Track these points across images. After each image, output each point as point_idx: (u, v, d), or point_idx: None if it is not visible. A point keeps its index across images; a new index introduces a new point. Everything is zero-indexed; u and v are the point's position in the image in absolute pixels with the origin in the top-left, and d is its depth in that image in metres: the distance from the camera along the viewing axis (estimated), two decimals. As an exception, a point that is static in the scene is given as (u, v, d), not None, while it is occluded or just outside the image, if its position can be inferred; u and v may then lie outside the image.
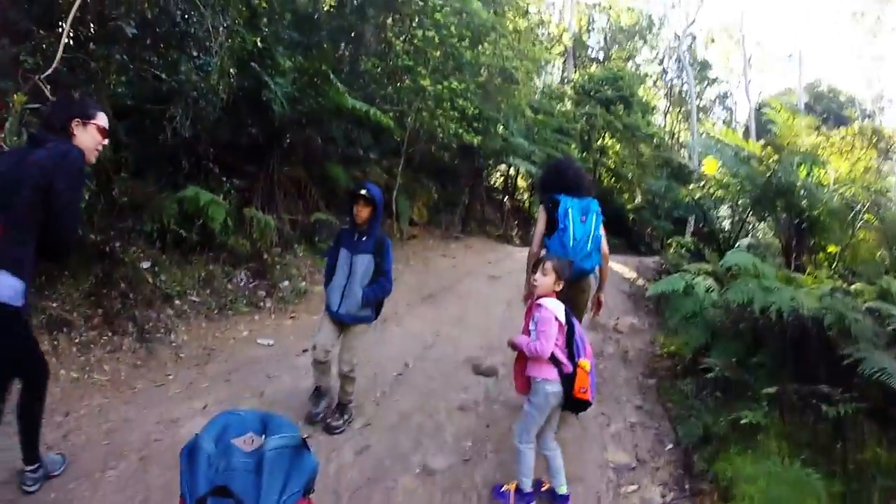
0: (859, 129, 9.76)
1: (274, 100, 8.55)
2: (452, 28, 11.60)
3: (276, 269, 8.67)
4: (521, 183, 21.87)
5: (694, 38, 31.96)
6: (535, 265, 3.69)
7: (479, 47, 12.49)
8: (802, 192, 8.38)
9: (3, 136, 3.95)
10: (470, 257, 12.77)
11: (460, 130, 12.14)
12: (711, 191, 10.37)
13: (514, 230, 19.47)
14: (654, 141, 24.03)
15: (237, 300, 7.66)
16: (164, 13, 6.56)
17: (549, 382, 3.42)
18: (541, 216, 4.47)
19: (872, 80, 30.46)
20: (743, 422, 4.30)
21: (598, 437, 4.91)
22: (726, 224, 11.33)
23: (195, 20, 6.89)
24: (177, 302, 6.93)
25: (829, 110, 25.43)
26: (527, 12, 17.20)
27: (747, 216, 10.00)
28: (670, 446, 4.81)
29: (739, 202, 9.80)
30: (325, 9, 11.77)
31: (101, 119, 3.03)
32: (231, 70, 7.79)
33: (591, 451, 4.67)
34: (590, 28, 31.02)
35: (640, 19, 31.02)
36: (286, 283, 8.51)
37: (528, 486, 3.64)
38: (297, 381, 5.57)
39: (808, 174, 8.42)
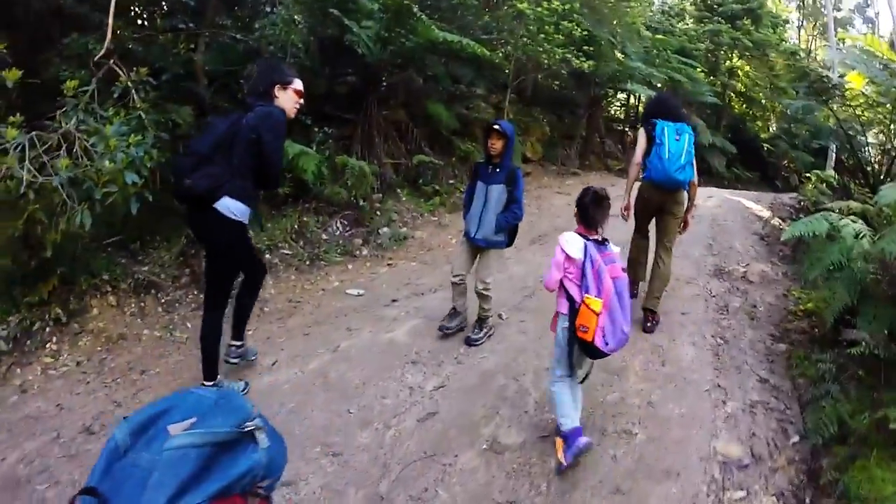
0: None
1: (358, 43, 7.90)
2: None
3: (375, 215, 8.17)
4: (642, 111, 19.98)
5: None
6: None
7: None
8: None
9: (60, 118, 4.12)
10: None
11: (568, 56, 10.81)
12: (859, 111, 8.30)
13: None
14: (788, 56, 21.18)
15: (330, 250, 7.22)
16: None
17: (561, 316, 3.34)
18: (641, 137, 5.10)
19: None
20: (893, 426, 3.16)
21: (708, 418, 3.89)
22: (874, 153, 9.23)
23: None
24: (267, 256, 6.59)
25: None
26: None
27: None
28: (795, 439, 3.71)
29: (892, 127, 7.77)
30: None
31: (297, 84, 3.75)
32: (298, 18, 7.35)
33: (698, 437, 3.67)
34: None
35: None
36: (385, 229, 7.96)
37: (567, 425, 3.28)
38: (377, 333, 5.03)
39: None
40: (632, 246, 5.54)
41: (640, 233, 5.51)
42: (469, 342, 4.77)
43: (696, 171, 4.99)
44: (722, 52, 21.05)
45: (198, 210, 3.49)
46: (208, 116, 5.59)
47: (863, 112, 8.33)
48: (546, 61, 10.63)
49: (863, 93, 8.09)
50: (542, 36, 10.30)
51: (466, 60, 10.29)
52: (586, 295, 3.10)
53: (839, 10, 26.77)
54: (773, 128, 23.78)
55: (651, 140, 4.89)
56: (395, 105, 9.89)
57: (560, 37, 10.59)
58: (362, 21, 8.11)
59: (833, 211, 5.22)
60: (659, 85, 15.36)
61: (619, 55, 14.17)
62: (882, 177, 8.13)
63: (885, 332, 3.90)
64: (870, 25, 31.69)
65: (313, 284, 6.45)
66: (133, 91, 4.73)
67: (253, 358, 4.39)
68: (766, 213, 10.09)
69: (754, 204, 10.86)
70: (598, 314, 3.04)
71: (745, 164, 20.44)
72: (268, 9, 7.09)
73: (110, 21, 4.70)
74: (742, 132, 21.32)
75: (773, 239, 8.47)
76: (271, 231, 6.88)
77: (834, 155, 20.71)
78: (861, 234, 4.26)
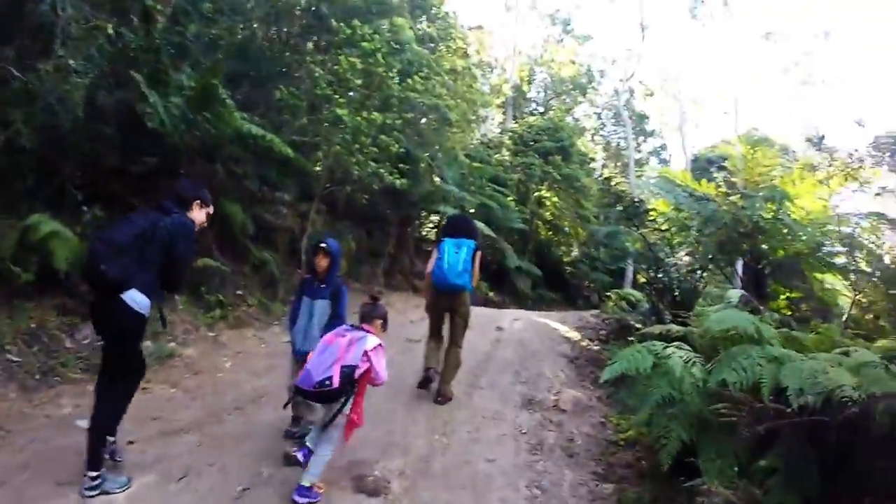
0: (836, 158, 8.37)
1: (154, 116, 6.97)
2: (380, 56, 10.20)
3: (140, 324, 6.82)
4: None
5: (633, 91, 31.70)
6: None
7: (410, 80, 11.04)
8: (785, 230, 7.24)
9: None
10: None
11: (381, 170, 10.51)
12: (670, 234, 8.82)
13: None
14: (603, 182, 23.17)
15: (70, 362, 5.74)
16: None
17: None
18: (434, 252, 5.97)
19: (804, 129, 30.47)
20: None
21: None
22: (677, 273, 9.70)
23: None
24: (-16, 359, 5.04)
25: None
26: (466, 53, 16.00)
27: (710, 263, 8.43)
28: None
29: (701, 247, 8.19)
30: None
31: (211, 207, 4.16)
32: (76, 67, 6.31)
33: None
34: (530, 80, 30.46)
35: (580, 73, 30.59)
36: (147, 343, 6.63)
37: None
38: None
39: (778, 211, 7.15)
40: (427, 342, 6.21)
41: (433, 332, 6.15)
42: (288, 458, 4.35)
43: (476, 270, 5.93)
44: (533, 184, 22.41)
45: (103, 298, 3.55)
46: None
47: (672, 235, 8.73)
48: (357, 172, 10.14)
49: (674, 217, 8.46)
50: (357, 146, 9.93)
51: (277, 162, 9.60)
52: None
53: (639, 152, 30.02)
54: (575, 252, 25.44)
55: (438, 253, 5.83)
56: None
57: (375, 150, 10.26)
58: (171, 95, 7.36)
59: (653, 338, 5.08)
60: (472, 210, 15.69)
61: (435, 178, 14.33)
62: (691, 295, 8.40)
63: (731, 466, 3.56)
64: (663, 165, 35.82)
65: (36, 408, 4.99)
66: None
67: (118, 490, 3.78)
68: (573, 334, 10.07)
69: (560, 325, 10.87)
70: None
71: (549, 285, 21.41)
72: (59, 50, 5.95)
73: None
74: (547, 256, 22.53)
75: (583, 361, 8.31)
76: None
77: (630, 275, 22.65)
78: (690, 362, 3.98)
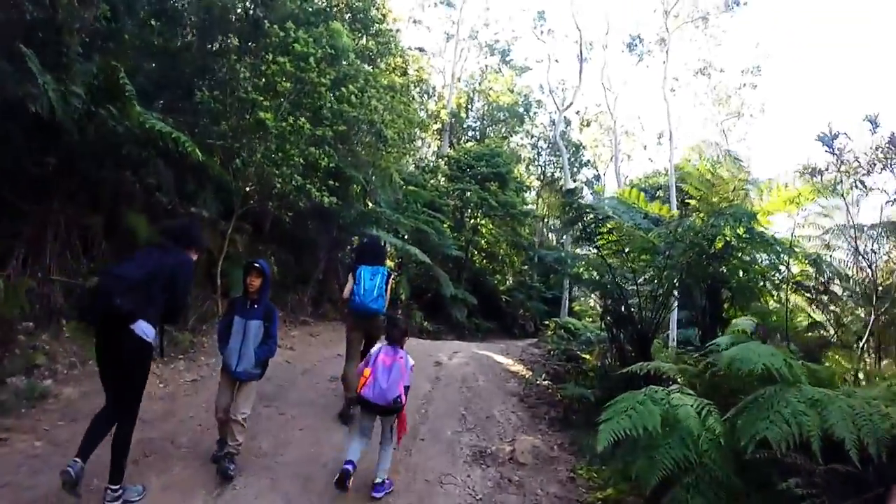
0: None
1: (41, 99, 5.88)
2: (313, 61, 9.25)
3: (13, 354, 5.60)
4: (389, 262, 19.35)
5: (569, 122, 31.71)
6: None
7: (344, 90, 10.13)
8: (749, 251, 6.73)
9: None
10: (314, 348, 9.53)
11: (309, 186, 9.38)
12: (632, 258, 7.89)
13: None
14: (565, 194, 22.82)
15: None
16: None
17: None
18: (350, 278, 6.02)
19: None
20: None
21: None
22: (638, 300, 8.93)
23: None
24: None
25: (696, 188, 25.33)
26: (405, 72, 15.24)
27: (675, 288, 7.69)
28: None
29: (666, 272, 7.36)
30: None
31: (202, 249, 5.15)
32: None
33: None
34: (468, 107, 30.07)
35: (517, 101, 30.39)
36: (20, 378, 5.41)
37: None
38: None
39: (747, 231, 6.62)
40: (346, 367, 6.12)
41: (351, 356, 6.06)
42: (225, 474, 4.50)
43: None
44: (468, 210, 21.82)
45: (114, 330, 3.70)
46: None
47: (634, 259, 7.89)
48: (279, 185, 8.99)
49: (636, 238, 7.66)
50: (281, 156, 8.84)
51: (194, 171, 8.53)
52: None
53: (574, 181, 30.04)
54: (510, 280, 24.92)
55: (354, 279, 5.89)
56: (90, 207, 7.52)
57: (301, 161, 9.15)
58: (72, 83, 6.32)
59: (636, 373, 4.69)
60: (406, 236, 14.90)
61: (368, 200, 13.44)
62: (652, 326, 7.69)
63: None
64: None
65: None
66: None
67: (137, 498, 4.01)
68: (518, 368, 9.28)
69: (504, 357, 10.06)
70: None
71: (485, 314, 20.69)
72: None
73: None
74: (483, 284, 21.88)
75: (535, 399, 7.50)
76: None
77: (566, 303, 22.34)
78: (703, 411, 3.17)
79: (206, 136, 8.84)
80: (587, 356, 11.25)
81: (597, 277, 8.78)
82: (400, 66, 14.92)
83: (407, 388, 4.42)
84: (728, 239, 6.87)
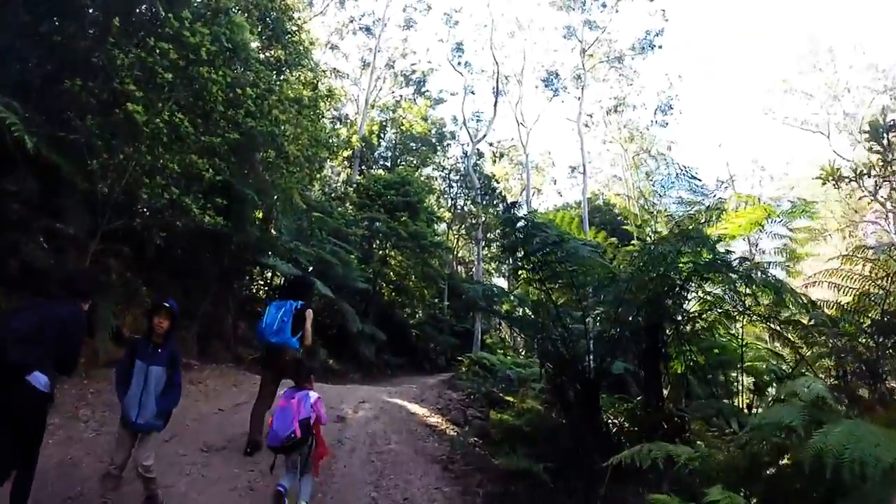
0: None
1: None
2: (204, 53, 7.57)
3: None
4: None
5: (481, 154, 30.89)
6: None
7: (240, 91, 8.47)
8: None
9: None
10: (191, 401, 7.23)
11: (187, 201, 7.50)
12: (582, 292, 6.59)
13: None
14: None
15: None
16: None
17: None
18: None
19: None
20: None
21: None
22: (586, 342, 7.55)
23: None
24: None
25: (605, 222, 25.15)
26: (316, 86, 13.63)
27: (626, 329, 6.38)
28: None
29: (622, 309, 6.16)
30: None
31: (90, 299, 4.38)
32: None
33: None
34: (381, 135, 28.66)
35: (431, 130, 29.31)
36: None
37: None
38: None
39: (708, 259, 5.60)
40: (255, 405, 5.80)
41: (261, 395, 5.82)
42: None
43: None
44: (377, 241, 20.37)
45: (6, 383, 3.56)
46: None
47: (585, 295, 6.70)
48: (146, 196, 7.16)
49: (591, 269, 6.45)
50: (150, 159, 7.05)
51: (63, 181, 6.69)
52: None
53: (486, 214, 29.32)
54: (420, 314, 23.54)
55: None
56: None
57: (177, 169, 7.33)
58: None
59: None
60: (309, 267, 13.23)
61: (271, 228, 11.71)
62: (601, 372, 6.46)
63: None
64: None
65: None
66: None
67: None
68: (437, 420, 7.79)
69: (419, 406, 8.52)
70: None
71: (394, 349, 19.11)
72: None
73: None
74: (392, 319, 20.38)
75: (462, 464, 6.01)
76: None
77: (479, 336, 21.29)
78: None
79: (71, 132, 6.88)
80: (511, 398, 10.09)
81: (532, 316, 7.39)
82: (311, 82, 13.27)
83: (308, 421, 4.53)
84: (691, 268, 5.82)
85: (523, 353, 22.49)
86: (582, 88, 26.15)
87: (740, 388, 7.41)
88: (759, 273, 6.01)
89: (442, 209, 30.22)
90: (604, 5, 26.78)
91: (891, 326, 5.53)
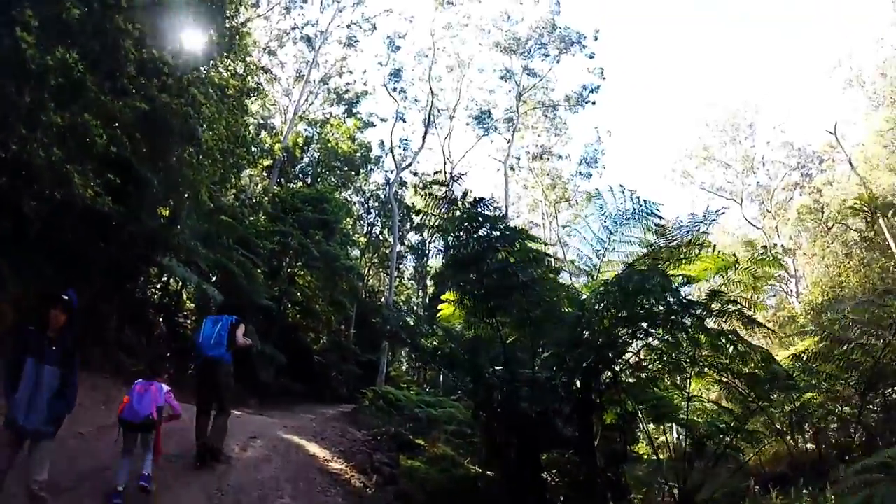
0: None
1: None
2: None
3: None
4: (188, 302, 15.40)
5: (404, 183, 29.77)
6: None
7: (155, 53, 7.09)
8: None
9: None
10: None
11: (69, 167, 5.95)
12: (534, 331, 5.62)
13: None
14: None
15: None
16: None
17: None
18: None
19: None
20: None
21: None
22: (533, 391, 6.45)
23: None
24: None
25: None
26: (244, 78, 12.21)
27: (577, 373, 5.52)
28: None
29: (580, 351, 5.21)
30: None
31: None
32: None
33: None
34: (305, 148, 27.11)
35: (356, 151, 28.04)
36: None
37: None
38: None
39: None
40: (197, 417, 5.74)
41: (202, 408, 5.78)
42: None
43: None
44: (287, 257, 18.81)
45: None
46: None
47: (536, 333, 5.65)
48: (15, 148, 5.53)
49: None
50: (31, 104, 5.51)
51: None
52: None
53: (403, 244, 28.25)
54: (324, 339, 21.95)
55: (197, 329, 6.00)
56: None
57: (59, 121, 5.78)
58: None
59: None
60: (213, 276, 11.68)
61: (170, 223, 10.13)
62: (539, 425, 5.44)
63: None
64: (421, 261, 33.88)
65: None
66: None
67: None
68: (340, 465, 6.53)
69: (319, 446, 7.22)
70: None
71: (294, 374, 17.41)
72: None
73: None
74: (295, 342, 18.71)
75: None
76: None
77: (384, 368, 20.05)
78: None
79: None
80: (421, 441, 9.00)
81: (465, 355, 6.26)
82: (240, 76, 11.87)
83: (161, 410, 5.02)
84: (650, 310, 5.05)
85: (429, 389, 21.44)
86: (513, 131, 25.92)
87: (677, 442, 6.84)
88: (726, 318, 5.39)
89: (357, 234, 28.84)
90: (546, 55, 27.05)
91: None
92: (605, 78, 27.33)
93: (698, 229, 5.82)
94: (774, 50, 56.88)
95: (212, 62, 10.49)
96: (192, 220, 11.31)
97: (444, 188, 6.73)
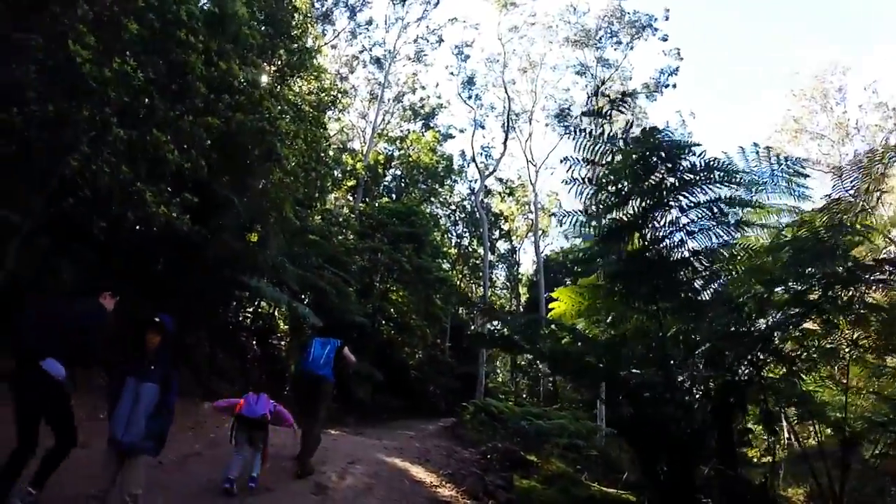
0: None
1: None
2: (185, 14, 5.96)
3: None
4: (281, 324, 15.36)
5: (489, 191, 29.20)
6: None
7: (222, 65, 6.77)
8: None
9: None
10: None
11: (140, 186, 5.61)
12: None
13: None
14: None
15: None
16: None
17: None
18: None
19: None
20: None
21: None
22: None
23: None
24: None
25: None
26: (319, 94, 11.97)
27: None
28: None
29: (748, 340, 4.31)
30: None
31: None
32: None
33: None
34: (387, 165, 27.04)
35: (438, 162, 27.67)
36: None
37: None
38: None
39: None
40: (304, 429, 5.88)
41: (309, 421, 5.95)
42: None
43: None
44: (379, 273, 18.53)
45: (22, 367, 3.71)
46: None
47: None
48: (75, 165, 5.10)
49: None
50: (86, 114, 5.14)
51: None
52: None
53: (493, 252, 27.70)
54: (420, 354, 21.55)
55: (305, 348, 6.30)
56: None
57: (122, 135, 5.42)
58: None
59: None
60: (304, 296, 11.41)
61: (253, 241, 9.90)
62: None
63: None
64: (516, 265, 33.31)
65: None
66: None
67: None
68: (450, 492, 5.80)
69: (424, 471, 6.53)
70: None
71: (391, 390, 17.02)
72: None
73: None
74: (390, 358, 18.28)
75: None
76: None
77: (482, 380, 19.48)
78: None
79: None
80: (533, 457, 8.30)
81: (599, 361, 5.25)
82: (314, 92, 11.64)
83: (273, 415, 5.37)
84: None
85: (528, 399, 20.54)
86: (595, 126, 24.86)
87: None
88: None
89: (446, 247, 28.45)
90: (618, 42, 25.76)
91: None
92: (682, 58, 25.79)
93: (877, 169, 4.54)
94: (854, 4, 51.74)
95: (284, 80, 10.25)
96: (279, 241, 11.10)
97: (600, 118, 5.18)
